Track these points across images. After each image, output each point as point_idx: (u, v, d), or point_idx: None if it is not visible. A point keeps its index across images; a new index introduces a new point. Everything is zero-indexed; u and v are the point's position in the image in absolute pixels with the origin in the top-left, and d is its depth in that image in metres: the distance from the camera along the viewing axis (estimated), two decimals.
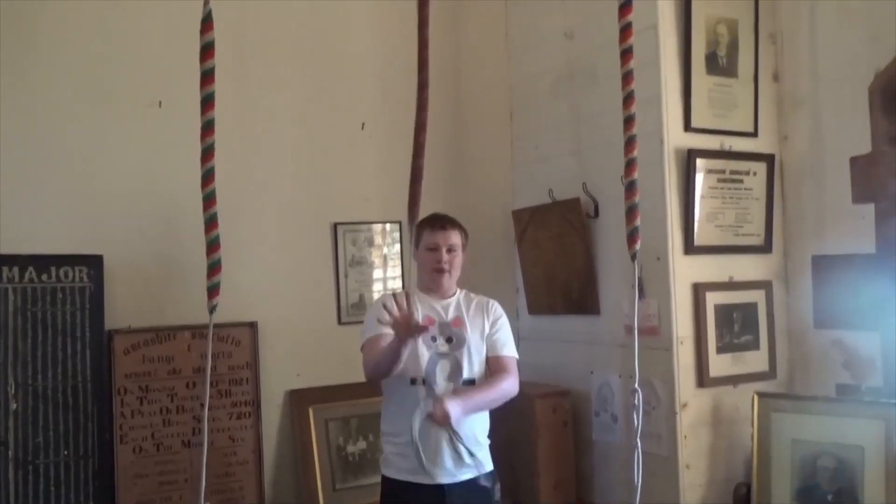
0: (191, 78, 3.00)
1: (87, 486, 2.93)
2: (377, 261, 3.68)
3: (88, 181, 3.11)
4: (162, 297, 3.20)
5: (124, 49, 3.20)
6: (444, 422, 2.44)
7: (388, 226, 3.70)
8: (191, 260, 3.17)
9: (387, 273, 3.71)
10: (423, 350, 2.57)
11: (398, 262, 3.71)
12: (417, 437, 2.51)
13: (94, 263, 3.03)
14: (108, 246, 3.09)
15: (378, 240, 3.68)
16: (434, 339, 2.60)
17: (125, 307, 3.11)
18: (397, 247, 3.71)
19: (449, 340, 2.63)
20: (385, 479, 2.65)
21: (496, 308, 2.76)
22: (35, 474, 2.85)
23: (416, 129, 2.24)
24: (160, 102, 3.23)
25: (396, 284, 3.69)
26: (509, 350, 2.72)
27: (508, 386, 2.64)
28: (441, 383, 2.56)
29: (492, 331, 2.70)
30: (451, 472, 2.54)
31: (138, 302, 3.15)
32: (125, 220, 3.16)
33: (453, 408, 2.43)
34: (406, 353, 2.40)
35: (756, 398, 3.01)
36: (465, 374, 2.61)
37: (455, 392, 2.55)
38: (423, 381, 2.56)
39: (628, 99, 2.14)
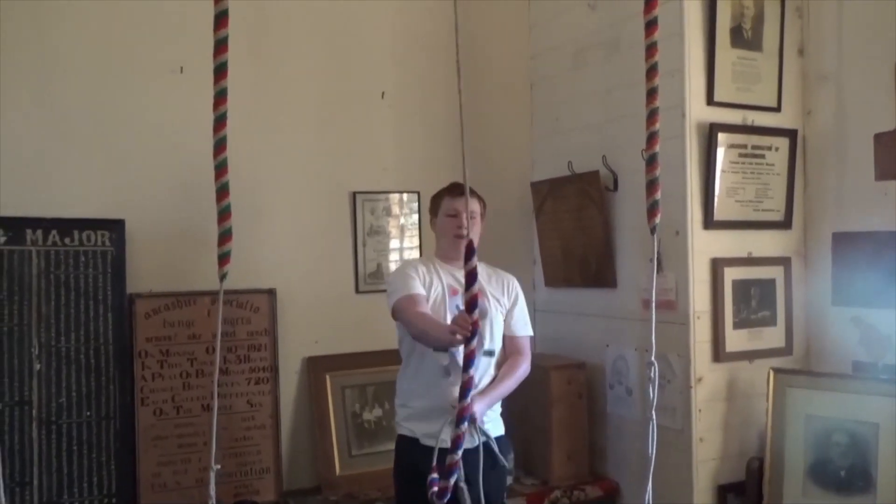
0: (211, 44, 3.02)
1: (109, 447, 2.98)
2: (395, 230, 3.69)
3: (111, 146, 3.13)
4: (183, 262, 3.22)
5: (146, 14, 3.19)
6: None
7: (405, 195, 3.71)
8: (211, 226, 3.14)
9: (404, 243, 3.72)
10: (448, 318, 2.59)
11: (416, 232, 3.72)
12: (438, 403, 2.56)
13: (116, 228, 3.06)
14: (131, 211, 3.11)
15: (396, 209, 3.69)
16: (458, 307, 2.61)
17: (146, 272, 3.15)
18: (415, 217, 3.71)
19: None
20: (400, 438, 2.72)
21: (515, 285, 2.80)
22: (58, 434, 2.90)
23: None
24: (182, 68, 3.22)
25: (414, 254, 3.70)
26: (526, 329, 2.78)
27: (523, 371, 2.73)
28: (462, 351, 2.57)
29: (511, 309, 2.73)
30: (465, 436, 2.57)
31: (159, 267, 3.18)
32: (147, 185, 3.18)
33: (479, 409, 2.51)
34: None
35: (772, 374, 3.02)
36: (486, 345, 2.64)
37: (480, 393, 2.58)
38: (446, 349, 2.58)
39: (651, 71, 2.10)
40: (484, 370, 2.65)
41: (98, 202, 3.08)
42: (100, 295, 3.02)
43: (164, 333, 3.14)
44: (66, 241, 2.98)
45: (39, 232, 2.94)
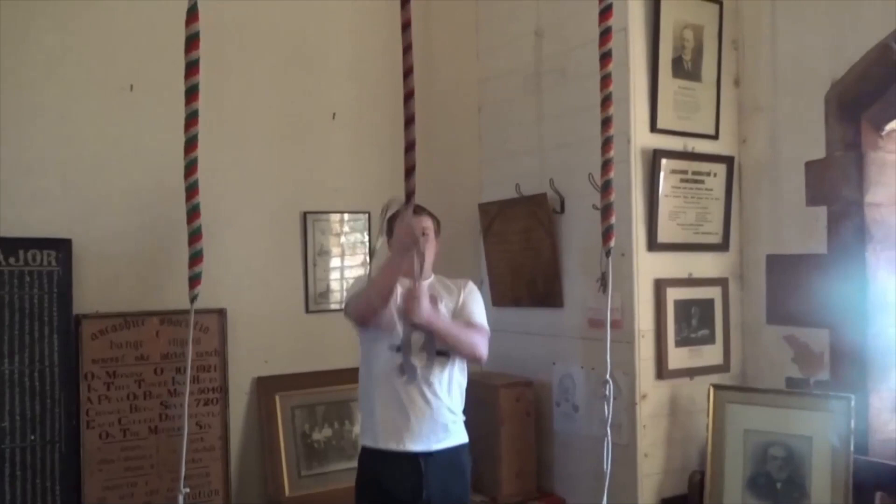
0: (163, 62, 3.01)
1: (54, 472, 2.91)
2: (346, 250, 3.71)
3: (58, 164, 3.07)
4: (131, 282, 3.18)
5: (96, 31, 3.16)
6: (411, 309, 2.51)
7: (357, 216, 3.74)
8: (161, 246, 3.19)
9: (355, 262, 3.74)
10: (399, 320, 2.63)
11: (366, 252, 3.75)
12: (394, 403, 2.60)
13: (62, 247, 3.00)
14: (78, 230, 3.06)
15: (347, 229, 3.72)
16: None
17: (94, 292, 3.09)
18: (366, 236, 3.74)
19: None
20: (363, 451, 2.72)
21: (470, 284, 2.85)
22: (0, 459, 2.82)
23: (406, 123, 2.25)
24: (132, 86, 3.20)
25: (365, 273, 3.73)
26: (479, 318, 2.78)
27: (476, 338, 2.69)
28: (418, 351, 2.62)
29: (463, 302, 2.77)
30: (428, 441, 2.61)
31: (107, 287, 3.13)
32: (95, 204, 3.13)
33: (425, 304, 2.52)
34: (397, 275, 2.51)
35: (712, 390, 3.14)
36: (439, 346, 2.67)
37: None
38: (399, 349, 2.62)
39: (606, 101, 2.22)
40: (439, 372, 2.65)
41: (44, 221, 3.01)
42: (45, 316, 2.96)
43: (111, 355, 3.09)
44: (11, 260, 2.91)
45: None
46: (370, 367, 2.71)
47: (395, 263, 2.52)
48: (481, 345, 2.70)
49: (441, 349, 2.66)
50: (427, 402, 2.62)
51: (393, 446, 2.60)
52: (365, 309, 2.59)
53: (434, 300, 2.69)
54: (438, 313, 2.64)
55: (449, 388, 2.69)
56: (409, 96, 2.23)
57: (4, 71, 2.97)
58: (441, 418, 2.64)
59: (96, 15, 3.16)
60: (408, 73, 2.24)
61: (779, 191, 3.30)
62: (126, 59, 3.21)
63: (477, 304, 2.82)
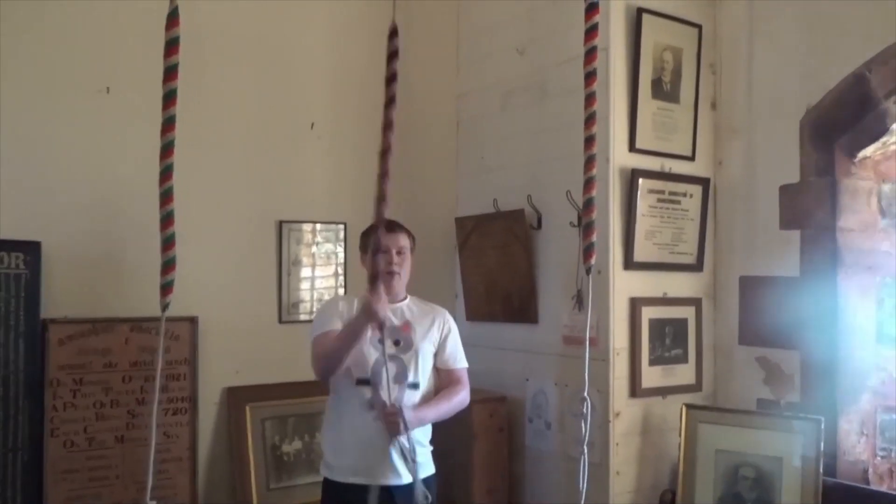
0: (139, 65, 2.98)
1: (15, 481, 2.83)
2: (321, 260, 3.68)
3: (30, 166, 3.00)
4: (101, 287, 3.12)
5: (72, 34, 3.10)
6: (395, 431, 2.46)
7: (332, 226, 3.71)
8: (133, 251, 3.13)
9: (329, 273, 3.71)
10: (370, 350, 2.58)
11: (340, 262, 3.72)
12: (363, 438, 2.54)
13: (31, 250, 2.93)
14: (48, 233, 2.98)
15: (322, 239, 3.69)
16: (381, 341, 2.54)
17: (62, 297, 3.02)
18: (341, 247, 3.72)
19: (396, 343, 2.64)
20: (326, 483, 2.65)
21: (448, 319, 2.80)
22: None
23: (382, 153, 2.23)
24: (108, 89, 3.16)
25: (338, 283, 3.70)
26: (461, 362, 2.78)
27: (462, 398, 2.72)
28: (386, 385, 2.51)
29: (444, 343, 2.74)
30: (397, 474, 2.57)
31: (76, 292, 3.06)
32: (66, 207, 3.06)
33: (409, 418, 2.48)
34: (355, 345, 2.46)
35: (685, 410, 3.16)
36: (411, 378, 2.64)
37: (414, 408, 2.57)
38: (368, 382, 2.58)
39: (590, 119, 2.23)
40: (410, 403, 2.60)
41: (12, 222, 2.93)
42: (11, 320, 2.88)
43: (78, 361, 3.02)
44: None
45: None
46: (335, 402, 2.67)
47: (354, 332, 2.46)
48: (466, 397, 2.74)
49: (413, 381, 2.63)
50: (401, 444, 2.52)
51: (364, 481, 2.54)
52: (324, 371, 2.59)
53: (408, 327, 2.68)
54: (421, 413, 2.59)
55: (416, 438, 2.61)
56: (389, 102, 2.22)
57: None
58: (411, 453, 2.56)
59: (74, 16, 3.10)
60: (389, 103, 2.22)
61: (753, 213, 3.34)
62: (103, 62, 3.16)
63: (458, 347, 2.80)
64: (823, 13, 3.08)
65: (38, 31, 3.04)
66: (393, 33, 2.30)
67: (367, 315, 2.35)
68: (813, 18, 3.12)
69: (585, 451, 2.18)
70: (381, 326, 2.36)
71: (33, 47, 3.03)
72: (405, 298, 2.76)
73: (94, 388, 3.05)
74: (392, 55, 2.27)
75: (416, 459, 2.54)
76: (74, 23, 3.11)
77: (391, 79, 2.28)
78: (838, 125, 3.05)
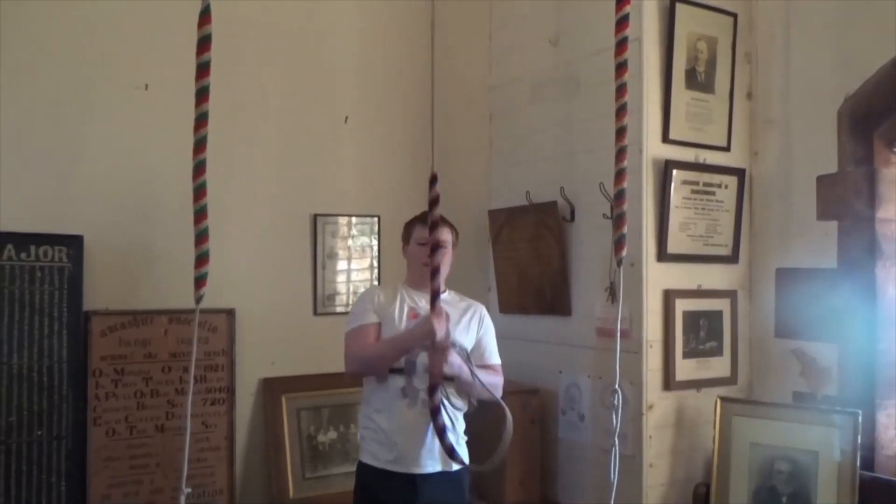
0: (179, 62, 3.02)
1: (60, 467, 2.92)
2: (355, 253, 3.72)
3: (72, 162, 3.09)
4: (141, 280, 3.20)
5: (112, 31, 3.18)
6: (439, 363, 2.48)
7: (366, 219, 3.74)
8: (171, 245, 3.20)
9: (363, 266, 3.75)
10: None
11: (375, 255, 3.76)
12: (396, 425, 2.57)
13: (74, 244, 3.02)
14: (89, 227, 3.08)
15: (357, 232, 3.73)
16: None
17: (104, 289, 3.11)
18: (376, 240, 3.75)
19: None
20: (360, 466, 2.70)
21: (485, 315, 2.83)
22: (7, 454, 2.83)
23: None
24: (147, 85, 3.23)
25: (373, 276, 3.74)
26: (496, 358, 2.82)
27: (499, 381, 2.75)
28: (421, 374, 2.58)
29: (481, 339, 2.77)
30: (425, 464, 2.60)
31: (117, 284, 3.15)
32: (107, 201, 3.15)
33: (454, 359, 2.52)
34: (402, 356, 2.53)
35: (719, 402, 3.14)
36: (445, 370, 2.66)
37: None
38: (402, 372, 2.61)
39: (621, 110, 2.22)
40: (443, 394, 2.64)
41: (56, 217, 3.03)
42: (55, 312, 2.97)
43: (119, 352, 3.11)
44: (23, 255, 2.93)
45: None
46: (370, 388, 2.70)
47: (407, 347, 2.53)
48: (499, 389, 2.75)
49: (447, 374, 2.65)
50: (430, 425, 2.56)
51: (391, 468, 2.58)
52: (362, 370, 2.65)
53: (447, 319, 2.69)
54: (466, 365, 2.62)
55: (453, 410, 2.66)
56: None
57: (20, 68, 2.99)
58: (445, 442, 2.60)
59: (112, 14, 3.18)
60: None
61: (789, 204, 3.29)
62: (142, 59, 3.23)
63: (494, 341, 2.83)
64: (861, 0, 3.02)
65: (78, 29, 3.12)
66: (433, 180, 2.41)
67: (426, 334, 2.39)
68: (850, 6, 3.06)
69: (616, 442, 2.18)
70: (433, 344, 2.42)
71: (74, 45, 3.11)
72: (444, 291, 2.78)
73: (134, 378, 3.13)
74: (433, 202, 2.41)
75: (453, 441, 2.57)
76: (113, 21, 3.18)
77: (434, 226, 2.45)
78: (877, 114, 2.99)
